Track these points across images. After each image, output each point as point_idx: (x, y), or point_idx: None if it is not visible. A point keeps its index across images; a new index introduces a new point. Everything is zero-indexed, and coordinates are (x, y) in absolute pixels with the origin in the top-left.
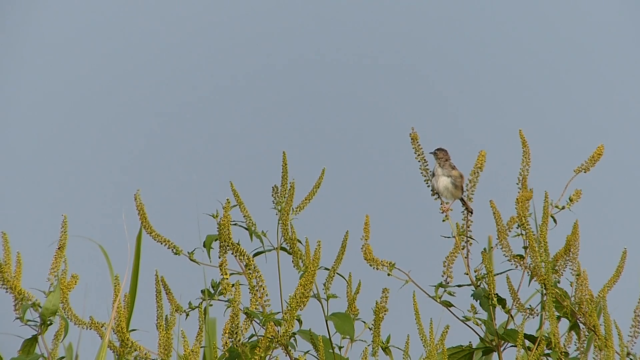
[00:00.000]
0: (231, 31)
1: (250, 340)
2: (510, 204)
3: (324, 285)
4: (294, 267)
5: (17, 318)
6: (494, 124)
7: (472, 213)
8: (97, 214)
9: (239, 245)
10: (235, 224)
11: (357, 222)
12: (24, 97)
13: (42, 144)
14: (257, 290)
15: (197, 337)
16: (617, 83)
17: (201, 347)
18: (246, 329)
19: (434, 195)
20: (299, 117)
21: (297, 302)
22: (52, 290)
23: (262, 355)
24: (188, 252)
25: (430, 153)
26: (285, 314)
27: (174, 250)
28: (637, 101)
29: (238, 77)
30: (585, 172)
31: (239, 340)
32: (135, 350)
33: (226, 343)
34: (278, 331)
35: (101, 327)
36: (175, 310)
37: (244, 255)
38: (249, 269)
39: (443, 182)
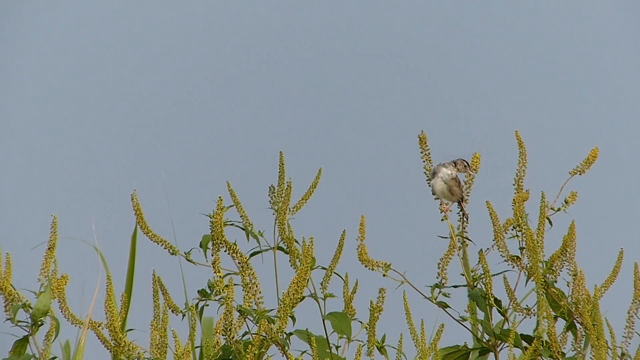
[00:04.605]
0: (228, 30)
1: (243, 338)
2: (508, 205)
3: (321, 284)
4: (291, 266)
5: (8, 319)
6: (491, 124)
7: (467, 217)
8: (94, 213)
9: (232, 243)
10: (232, 224)
11: (354, 222)
12: (18, 97)
13: (38, 144)
14: (250, 287)
15: (189, 336)
16: (614, 85)
17: (196, 347)
18: (239, 326)
19: (434, 194)
20: (296, 117)
21: (290, 299)
22: (43, 290)
23: (255, 352)
24: (185, 252)
25: (462, 168)
26: (279, 311)
27: (171, 251)
28: (634, 103)
29: (235, 77)
30: (580, 174)
31: (233, 338)
32: (129, 349)
33: (218, 342)
34: (272, 329)
35: (98, 326)
36: (172, 311)
37: (236, 253)
38: (242, 267)
39: (439, 185)
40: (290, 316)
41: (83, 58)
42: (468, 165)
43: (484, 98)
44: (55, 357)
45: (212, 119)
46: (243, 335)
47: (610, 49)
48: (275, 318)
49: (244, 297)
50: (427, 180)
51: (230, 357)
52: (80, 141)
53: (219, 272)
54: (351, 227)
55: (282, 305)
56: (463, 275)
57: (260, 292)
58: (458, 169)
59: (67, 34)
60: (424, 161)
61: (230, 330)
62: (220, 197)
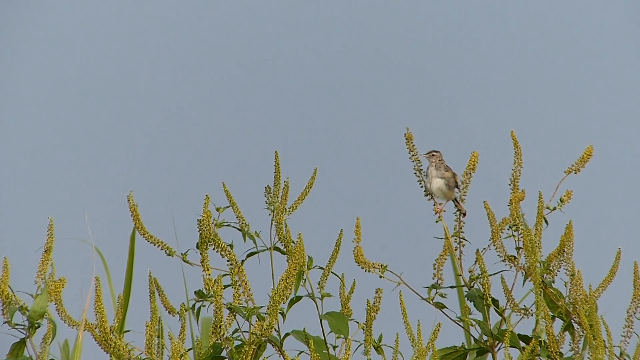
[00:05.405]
0: (228, 30)
1: (234, 335)
2: (503, 205)
3: (319, 284)
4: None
5: (6, 322)
6: (489, 123)
7: (464, 215)
8: (94, 214)
9: (221, 242)
10: (228, 225)
11: (351, 222)
12: (19, 97)
13: (38, 144)
14: (239, 285)
15: (179, 336)
16: (610, 84)
17: (189, 349)
18: (230, 324)
19: (427, 196)
20: (295, 117)
21: (280, 295)
22: (39, 293)
23: (247, 349)
24: (181, 254)
25: (425, 155)
26: (269, 308)
27: (167, 252)
28: (630, 102)
29: (230, 78)
30: (575, 172)
31: (223, 335)
32: (119, 350)
33: (213, 343)
34: (262, 326)
35: (95, 328)
36: (169, 312)
37: (225, 251)
38: (231, 264)
39: (437, 183)
40: (280, 312)
41: (83, 58)
42: (434, 153)
43: (481, 98)
44: (52, 359)
45: (208, 120)
46: (233, 333)
47: (607, 49)
48: (265, 315)
49: (233, 294)
50: (418, 181)
51: (221, 354)
52: (80, 141)
53: (208, 270)
54: (349, 227)
55: (271, 302)
56: (460, 275)
57: (250, 290)
58: (431, 161)
59: (67, 33)
60: (412, 161)
61: (219, 327)
62: (207, 195)
